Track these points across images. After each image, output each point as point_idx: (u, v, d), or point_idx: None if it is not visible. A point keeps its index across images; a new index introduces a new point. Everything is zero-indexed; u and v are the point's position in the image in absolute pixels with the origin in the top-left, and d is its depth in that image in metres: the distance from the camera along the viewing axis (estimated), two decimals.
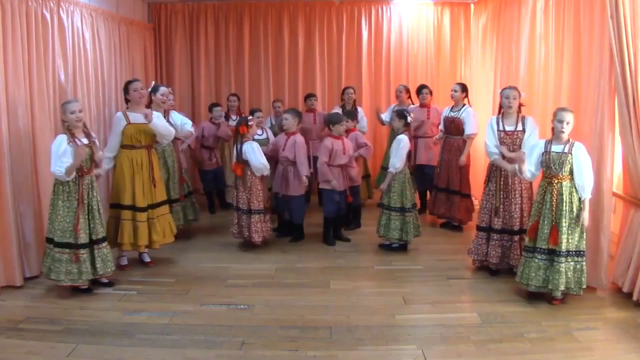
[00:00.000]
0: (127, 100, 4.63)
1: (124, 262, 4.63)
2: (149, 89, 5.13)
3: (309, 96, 6.60)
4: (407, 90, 6.47)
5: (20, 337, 3.36)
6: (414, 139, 6.14)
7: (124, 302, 3.93)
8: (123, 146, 4.49)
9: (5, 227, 3.99)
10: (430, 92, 6.25)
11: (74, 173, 3.84)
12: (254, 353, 3.20)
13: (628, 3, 3.57)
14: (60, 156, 3.76)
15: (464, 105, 5.62)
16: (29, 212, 4.22)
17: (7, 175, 3.97)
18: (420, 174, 6.26)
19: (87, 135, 3.98)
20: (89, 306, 3.83)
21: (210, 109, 6.45)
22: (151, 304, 3.89)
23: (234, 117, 6.54)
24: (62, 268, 3.86)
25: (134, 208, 4.47)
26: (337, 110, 6.28)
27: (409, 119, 4.93)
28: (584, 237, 3.80)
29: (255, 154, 4.89)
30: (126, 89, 4.60)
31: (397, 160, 4.87)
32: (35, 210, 4.30)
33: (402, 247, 5.08)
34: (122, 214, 4.47)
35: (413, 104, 6.48)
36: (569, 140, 3.75)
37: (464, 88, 5.69)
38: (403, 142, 4.88)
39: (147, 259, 4.74)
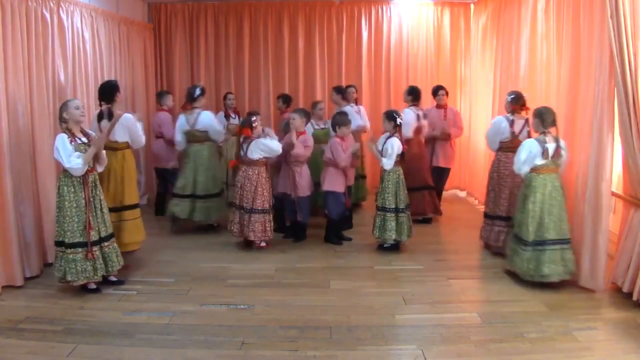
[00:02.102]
0: (111, 100, 4.47)
1: None
2: (201, 91, 5.45)
3: (278, 97, 6.60)
4: (339, 91, 6.29)
5: (20, 337, 3.35)
6: (431, 140, 6.10)
7: (124, 302, 3.92)
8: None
9: (5, 226, 3.99)
10: (447, 93, 6.19)
11: (87, 166, 3.84)
12: (254, 353, 3.20)
13: (628, 3, 3.57)
14: (71, 152, 3.76)
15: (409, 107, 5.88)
16: (29, 212, 4.23)
17: (8, 174, 3.97)
18: (436, 176, 6.18)
19: (86, 134, 3.98)
20: (89, 306, 3.83)
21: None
22: (151, 304, 3.89)
23: (232, 115, 6.54)
24: (77, 267, 3.86)
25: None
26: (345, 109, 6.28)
27: (398, 120, 4.92)
28: (522, 227, 4.11)
29: (267, 147, 4.91)
30: (117, 88, 4.54)
31: (390, 161, 4.86)
32: (36, 210, 4.30)
33: (394, 247, 5.07)
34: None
35: (357, 103, 6.40)
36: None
37: (409, 91, 5.97)
38: (395, 145, 4.86)
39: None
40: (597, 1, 3.83)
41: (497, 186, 4.88)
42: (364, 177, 6.64)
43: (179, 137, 5.60)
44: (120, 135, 4.48)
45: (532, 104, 5.00)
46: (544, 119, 4.06)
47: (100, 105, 4.53)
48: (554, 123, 4.08)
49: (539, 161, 4.04)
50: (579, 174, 4.13)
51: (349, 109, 6.08)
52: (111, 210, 4.36)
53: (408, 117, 5.68)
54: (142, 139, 4.67)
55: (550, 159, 4.04)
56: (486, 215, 5.06)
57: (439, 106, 6.17)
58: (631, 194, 3.94)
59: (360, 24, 7.42)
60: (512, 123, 4.78)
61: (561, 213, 4.06)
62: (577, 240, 4.14)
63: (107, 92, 4.50)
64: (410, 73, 7.50)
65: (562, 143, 4.11)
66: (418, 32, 7.45)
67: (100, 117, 4.52)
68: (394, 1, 7.35)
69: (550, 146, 4.04)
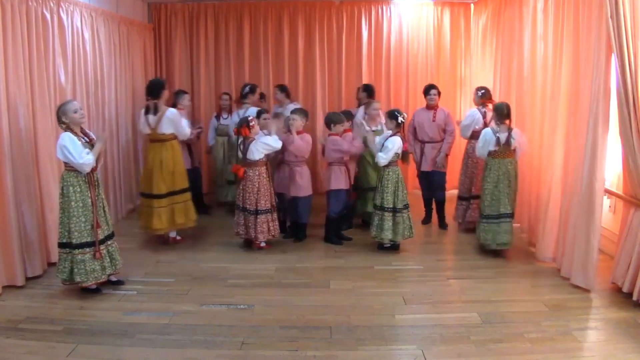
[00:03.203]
0: (157, 97, 4.94)
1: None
2: (249, 89, 6.00)
3: (261, 95, 6.57)
4: (283, 89, 6.33)
5: (20, 337, 3.36)
6: (420, 143, 5.82)
7: (124, 302, 3.93)
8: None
9: (6, 227, 3.99)
10: (439, 93, 5.83)
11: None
12: (254, 353, 3.21)
13: (628, 3, 3.56)
14: (82, 148, 3.77)
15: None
16: (30, 212, 4.22)
17: (9, 175, 3.96)
18: (425, 181, 5.91)
19: (85, 134, 3.98)
20: (89, 306, 3.83)
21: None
22: (151, 304, 3.90)
23: (225, 115, 6.53)
24: (86, 268, 3.87)
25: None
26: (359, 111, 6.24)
27: (400, 119, 4.92)
28: (484, 204, 4.82)
29: (267, 146, 4.91)
30: (163, 86, 5.00)
31: (385, 157, 4.85)
32: (37, 210, 4.29)
33: (394, 247, 5.07)
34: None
35: (292, 102, 6.38)
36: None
37: (364, 88, 6.16)
38: (395, 142, 4.86)
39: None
40: (596, 1, 3.83)
41: (470, 169, 5.53)
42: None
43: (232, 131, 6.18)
44: (167, 128, 4.95)
45: (535, 103, 5.02)
46: (500, 112, 4.75)
47: (147, 100, 5.01)
48: (508, 116, 4.75)
49: (492, 147, 4.74)
50: (575, 172, 4.13)
51: (292, 107, 6.03)
52: (173, 194, 5.01)
53: (362, 114, 5.85)
54: (187, 131, 5.14)
55: (501, 146, 4.70)
56: (460, 197, 5.67)
57: (429, 107, 5.79)
58: (631, 194, 3.94)
59: (360, 24, 7.41)
60: (484, 114, 5.44)
61: (511, 192, 4.77)
62: (570, 238, 4.17)
63: (154, 88, 4.98)
64: (410, 73, 7.48)
65: (515, 133, 4.74)
66: (418, 32, 7.44)
67: (147, 111, 4.98)
68: (394, 1, 7.34)
69: (502, 135, 4.71)
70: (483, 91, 5.58)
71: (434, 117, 5.77)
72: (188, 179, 6.09)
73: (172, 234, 5.31)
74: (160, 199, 4.95)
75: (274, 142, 4.95)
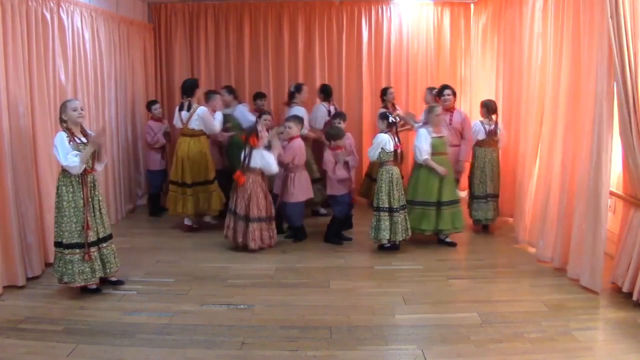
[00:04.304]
0: (191, 95, 5.45)
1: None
2: (295, 88, 6.21)
3: (260, 96, 6.59)
4: (231, 91, 6.31)
5: (20, 337, 3.36)
6: None
7: (124, 302, 3.93)
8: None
9: (6, 227, 3.99)
10: (454, 94, 5.66)
11: (84, 165, 3.82)
12: (254, 353, 3.21)
13: (628, 3, 3.56)
14: (69, 150, 3.74)
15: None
16: (30, 212, 4.21)
17: (9, 175, 3.96)
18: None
19: (85, 135, 3.96)
20: (89, 306, 3.83)
21: (149, 107, 6.44)
22: (151, 304, 3.90)
23: None
24: (74, 269, 3.84)
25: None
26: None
27: (390, 119, 5.00)
28: (472, 186, 5.66)
29: (265, 161, 4.90)
30: (197, 85, 5.53)
31: (371, 152, 5.04)
32: (37, 211, 4.30)
33: (394, 247, 5.08)
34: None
35: (240, 103, 6.38)
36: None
37: (321, 89, 6.53)
38: (379, 138, 4.96)
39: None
40: (597, 1, 3.82)
41: None
42: None
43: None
44: (197, 124, 5.45)
45: (535, 104, 5.01)
46: (488, 108, 5.52)
47: (182, 98, 5.53)
48: (495, 111, 5.53)
49: (481, 136, 5.49)
50: (580, 173, 4.13)
51: (241, 107, 6.17)
52: (198, 184, 5.49)
53: (319, 112, 6.33)
54: (215, 127, 5.55)
55: (489, 135, 5.47)
56: None
57: (444, 109, 5.46)
58: (631, 194, 3.94)
59: (360, 24, 7.40)
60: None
61: (494, 176, 5.55)
62: (574, 239, 4.16)
63: (188, 87, 5.48)
64: (410, 73, 7.47)
65: (499, 126, 5.56)
66: (418, 32, 7.43)
67: (181, 108, 5.51)
68: (394, 1, 7.33)
69: (490, 126, 5.51)
70: (436, 90, 6.06)
71: (450, 120, 5.54)
72: (216, 178, 6.01)
73: (187, 222, 5.66)
74: (186, 187, 5.44)
75: (272, 165, 4.90)
